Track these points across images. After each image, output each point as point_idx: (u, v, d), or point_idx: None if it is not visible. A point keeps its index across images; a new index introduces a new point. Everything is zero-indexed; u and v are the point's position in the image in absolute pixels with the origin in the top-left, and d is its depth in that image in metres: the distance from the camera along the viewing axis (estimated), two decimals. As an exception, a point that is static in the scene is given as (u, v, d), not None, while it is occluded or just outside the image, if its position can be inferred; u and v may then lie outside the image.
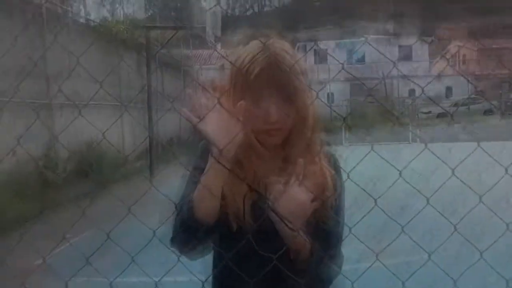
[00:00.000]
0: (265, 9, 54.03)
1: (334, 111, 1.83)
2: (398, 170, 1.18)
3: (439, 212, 1.35)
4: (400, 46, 30.77)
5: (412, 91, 28.85)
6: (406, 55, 30.22)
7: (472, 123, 16.75)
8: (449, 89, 29.37)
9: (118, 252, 1.46)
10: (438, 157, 1.35)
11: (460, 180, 1.27)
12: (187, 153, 1.27)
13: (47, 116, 7.48)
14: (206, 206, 1.09)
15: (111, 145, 7.85)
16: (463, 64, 32.67)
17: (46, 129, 7.15)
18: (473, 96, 25.52)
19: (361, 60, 30.08)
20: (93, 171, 7.71)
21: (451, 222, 1.29)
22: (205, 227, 1.09)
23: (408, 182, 1.25)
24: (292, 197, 1.08)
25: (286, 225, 1.08)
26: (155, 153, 10.76)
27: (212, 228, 1.11)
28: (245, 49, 1.18)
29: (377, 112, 18.34)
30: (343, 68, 1.39)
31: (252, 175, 1.15)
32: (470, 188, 1.39)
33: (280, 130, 1.15)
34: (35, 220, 5.75)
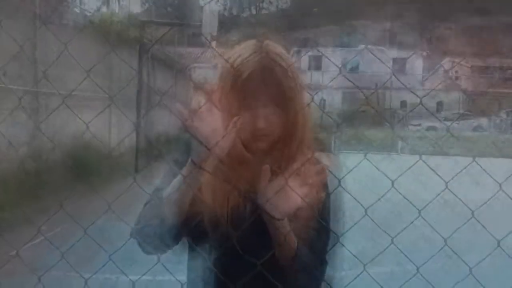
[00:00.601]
0: (262, 11, 54.15)
1: (330, 117, 1.78)
2: (390, 179, 1.14)
3: (430, 225, 1.32)
4: (394, 59, 31.01)
5: (403, 103, 29.06)
6: (400, 68, 30.46)
7: (461, 139, 16.90)
8: (440, 104, 29.65)
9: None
10: (432, 169, 1.32)
11: (453, 193, 1.24)
12: (173, 150, 1.23)
13: (32, 104, 7.38)
14: (175, 207, 1.05)
15: (96, 138, 7.77)
16: (455, 80, 33.02)
17: (30, 117, 7.04)
18: (463, 112, 25.79)
19: (355, 69, 30.27)
20: (76, 164, 7.61)
21: (442, 236, 1.25)
22: (170, 228, 1.06)
23: (400, 193, 1.22)
24: (284, 190, 1.03)
25: (274, 217, 1.04)
26: (142, 149, 10.69)
27: (178, 230, 1.07)
28: (237, 49, 1.13)
29: (368, 121, 18.42)
30: (340, 73, 1.36)
31: (234, 180, 1.11)
32: (462, 202, 1.37)
33: (268, 136, 1.11)
34: (11, 209, 5.64)
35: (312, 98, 1.14)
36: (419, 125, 24.37)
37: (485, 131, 24.47)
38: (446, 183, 1.15)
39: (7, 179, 6.39)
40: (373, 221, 1.16)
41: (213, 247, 1.12)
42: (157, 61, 14.01)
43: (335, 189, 1.12)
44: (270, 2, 53.07)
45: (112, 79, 10.53)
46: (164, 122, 13.95)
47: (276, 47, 1.13)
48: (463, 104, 26.77)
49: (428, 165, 1.27)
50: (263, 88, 1.08)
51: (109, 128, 10.45)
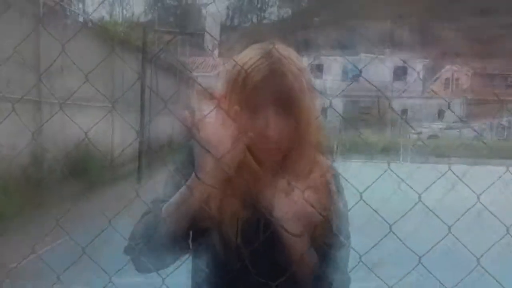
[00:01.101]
0: (264, 21, 54.39)
1: (349, 122, 1.76)
2: (417, 193, 1.04)
3: (462, 244, 1.17)
4: (395, 67, 31.09)
5: (404, 111, 29.06)
6: (401, 76, 30.52)
7: (462, 146, 16.87)
8: (441, 112, 29.64)
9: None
10: (460, 179, 1.25)
11: (484, 205, 1.13)
12: (176, 159, 1.17)
13: (35, 113, 7.38)
14: (174, 223, 0.98)
15: (96, 146, 7.76)
16: (456, 88, 33.04)
17: (33, 126, 7.04)
18: (464, 119, 25.75)
19: (356, 78, 30.31)
20: (79, 172, 7.59)
21: (475, 256, 1.11)
22: (167, 245, 0.99)
23: (428, 207, 1.12)
24: (299, 202, 0.95)
25: (293, 233, 0.97)
26: (145, 158, 10.64)
27: (176, 247, 1.01)
28: (246, 53, 1.05)
29: (370, 130, 18.43)
30: (355, 80, 1.32)
31: (244, 194, 1.03)
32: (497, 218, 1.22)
33: (279, 146, 1.03)
34: (14, 219, 5.61)
35: (330, 102, 1.08)
36: (420, 133, 24.34)
37: (485, 139, 24.42)
38: (478, 196, 1.04)
39: (10, 188, 6.38)
40: (399, 239, 1.05)
41: (222, 265, 1.05)
42: (160, 68, 14.07)
43: (356, 202, 1.05)
44: (271, 12, 53.36)
45: (114, 86, 10.56)
46: (167, 129, 13.97)
47: (287, 49, 1.06)
48: (464, 112, 26.77)
49: (456, 175, 1.18)
50: (274, 94, 1.00)
51: (112, 133, 10.44)
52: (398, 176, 1.16)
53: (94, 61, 8.26)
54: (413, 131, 23.25)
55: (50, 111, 7.58)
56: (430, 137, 23.35)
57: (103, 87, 9.35)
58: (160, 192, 1.08)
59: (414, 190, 1.06)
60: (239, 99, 0.99)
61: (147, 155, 10.80)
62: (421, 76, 32.08)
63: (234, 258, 1.02)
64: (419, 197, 1.03)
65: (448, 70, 33.37)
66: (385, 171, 1.07)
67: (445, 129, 25.29)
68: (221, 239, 1.03)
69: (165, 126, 13.98)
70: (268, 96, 1.00)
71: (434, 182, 1.14)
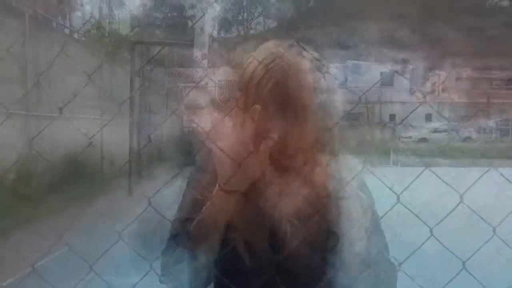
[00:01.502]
0: (251, 32, 54.73)
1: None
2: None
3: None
4: (381, 73, 31.38)
5: (392, 116, 29.32)
6: (388, 82, 30.80)
7: (451, 149, 17.04)
8: (428, 116, 29.94)
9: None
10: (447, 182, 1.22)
11: (469, 207, 1.07)
12: (188, 172, 1.11)
13: (23, 125, 7.32)
14: (207, 239, 0.93)
15: (87, 157, 7.70)
16: (442, 92, 33.44)
17: (21, 139, 6.98)
18: (452, 123, 26.03)
19: (343, 84, 30.57)
20: (69, 185, 7.51)
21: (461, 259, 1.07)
22: (205, 263, 0.93)
23: (472, 209, 1.06)
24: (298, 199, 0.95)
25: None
26: (136, 170, 10.57)
27: (213, 264, 0.94)
28: (255, 55, 0.99)
29: (359, 134, 18.54)
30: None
31: (266, 203, 0.98)
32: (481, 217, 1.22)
33: (296, 151, 0.98)
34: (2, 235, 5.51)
35: (359, 101, 1.05)
36: (410, 137, 24.54)
37: (475, 142, 24.71)
38: (461, 195, 0.98)
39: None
40: (441, 244, 1.01)
41: (251, 278, 0.99)
42: (149, 81, 14.06)
43: (393, 206, 0.99)
44: (258, 22, 53.73)
45: (102, 99, 10.52)
46: (157, 140, 13.91)
47: (300, 51, 1.01)
48: (452, 115, 27.09)
49: (438, 175, 1.08)
50: (290, 98, 0.94)
51: (101, 148, 10.38)
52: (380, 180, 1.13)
53: (82, 74, 8.21)
54: (403, 135, 23.49)
55: (37, 125, 7.53)
56: (419, 140, 23.56)
57: (91, 99, 9.31)
58: (181, 212, 1.03)
59: (393, 191, 1.02)
60: (258, 98, 0.94)
61: (138, 166, 10.74)
62: (408, 81, 32.45)
63: (264, 269, 0.96)
64: (398, 198, 0.98)
65: (434, 74, 33.80)
66: (423, 171, 1.02)
67: (433, 132, 25.53)
68: (246, 248, 0.98)
69: (154, 137, 13.91)
70: (284, 99, 0.95)
71: (412, 182, 1.07)
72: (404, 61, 32.85)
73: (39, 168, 7.40)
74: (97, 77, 10.37)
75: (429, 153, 17.18)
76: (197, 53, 11.88)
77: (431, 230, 0.99)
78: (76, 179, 7.79)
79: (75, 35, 11.60)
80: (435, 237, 0.99)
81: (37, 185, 7.32)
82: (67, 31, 10.25)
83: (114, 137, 10.45)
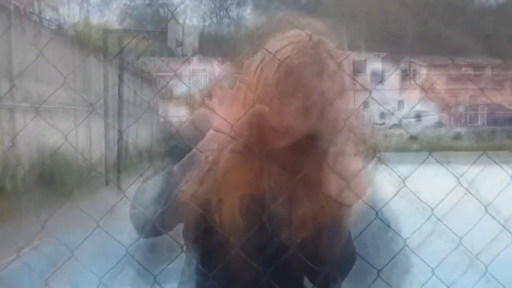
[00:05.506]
0: (224, 20, 54.11)
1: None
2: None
3: None
4: (354, 61, 31.66)
5: (365, 104, 29.72)
6: (360, 70, 31.16)
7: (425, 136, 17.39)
8: (401, 102, 30.50)
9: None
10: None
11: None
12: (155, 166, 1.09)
13: (9, 119, 7.09)
14: (187, 174, 0.92)
15: (73, 153, 7.53)
16: (413, 77, 34.11)
17: (8, 132, 6.77)
18: (423, 109, 26.59)
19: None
20: (54, 180, 7.36)
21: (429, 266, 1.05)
22: (176, 206, 0.91)
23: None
24: (351, 169, 0.93)
25: (346, 203, 0.94)
26: (123, 165, 10.40)
27: (182, 208, 0.92)
28: (286, 36, 0.98)
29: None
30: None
31: (245, 184, 0.98)
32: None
33: (288, 134, 0.96)
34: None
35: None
36: (383, 124, 24.96)
37: (446, 126, 25.38)
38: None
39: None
40: (468, 251, 1.00)
41: (219, 258, 0.98)
42: (123, 70, 13.83)
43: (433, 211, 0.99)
44: (231, 10, 53.21)
45: (89, 92, 10.32)
46: (146, 136, 13.76)
47: (330, 45, 1.00)
48: (423, 102, 27.69)
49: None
50: (311, 82, 0.94)
51: (90, 143, 10.18)
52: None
53: (64, 68, 7.99)
54: (378, 121, 23.85)
55: (24, 118, 7.33)
56: (392, 126, 23.96)
57: (68, 93, 9.07)
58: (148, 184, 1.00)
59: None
60: (270, 83, 0.94)
61: (126, 162, 10.59)
62: (380, 70, 32.93)
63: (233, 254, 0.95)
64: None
65: (405, 62, 34.40)
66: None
67: (405, 118, 26.02)
68: (218, 226, 0.97)
69: (143, 133, 13.79)
70: (301, 83, 0.94)
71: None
72: (377, 49, 33.25)
73: (17, 163, 7.20)
74: (86, 70, 10.16)
75: (403, 139, 17.53)
76: (171, 41, 11.72)
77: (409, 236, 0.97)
78: (62, 173, 7.63)
79: (45, 24, 11.24)
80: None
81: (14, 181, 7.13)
82: (46, 23, 9.87)
83: (90, 132, 10.25)
